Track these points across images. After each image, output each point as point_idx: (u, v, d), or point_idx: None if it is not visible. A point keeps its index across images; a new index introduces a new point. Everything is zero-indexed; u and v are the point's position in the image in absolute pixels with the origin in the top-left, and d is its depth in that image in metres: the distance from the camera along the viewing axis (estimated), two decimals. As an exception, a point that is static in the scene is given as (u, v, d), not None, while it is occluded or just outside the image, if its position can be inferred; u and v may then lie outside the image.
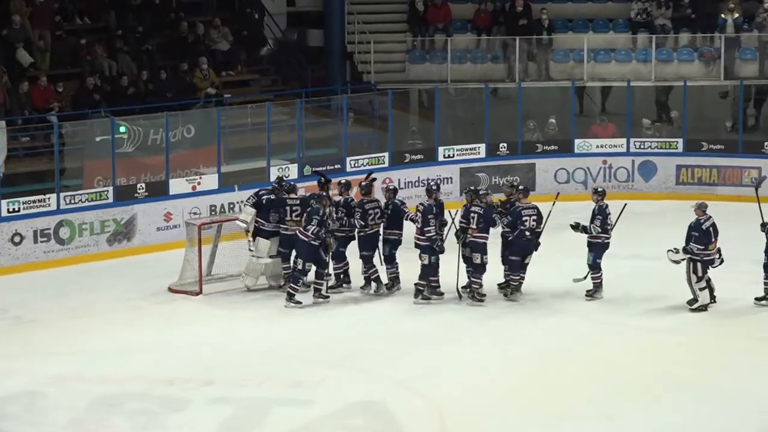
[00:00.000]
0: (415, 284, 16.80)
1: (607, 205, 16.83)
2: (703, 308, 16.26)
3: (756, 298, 16.47)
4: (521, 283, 16.82)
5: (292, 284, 16.76)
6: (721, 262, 16.30)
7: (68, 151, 20.26)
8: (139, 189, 19.83)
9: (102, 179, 19.86)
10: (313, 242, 16.58)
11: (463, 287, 16.81)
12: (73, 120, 20.71)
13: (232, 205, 20.07)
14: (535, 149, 23.26)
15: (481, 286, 16.63)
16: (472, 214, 16.55)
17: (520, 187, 17.38)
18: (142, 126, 20.21)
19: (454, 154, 22.83)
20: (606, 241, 16.75)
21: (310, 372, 14.24)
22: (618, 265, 17.36)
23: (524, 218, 16.62)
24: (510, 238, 16.75)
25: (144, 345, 15.30)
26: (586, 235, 16.78)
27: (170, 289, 17.52)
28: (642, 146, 23.31)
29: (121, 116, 20.48)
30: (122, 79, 22.36)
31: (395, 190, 17.48)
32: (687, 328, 15.80)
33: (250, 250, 17.33)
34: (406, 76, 24.90)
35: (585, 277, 16.90)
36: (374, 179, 17.76)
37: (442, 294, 16.86)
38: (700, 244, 16.10)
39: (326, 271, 16.95)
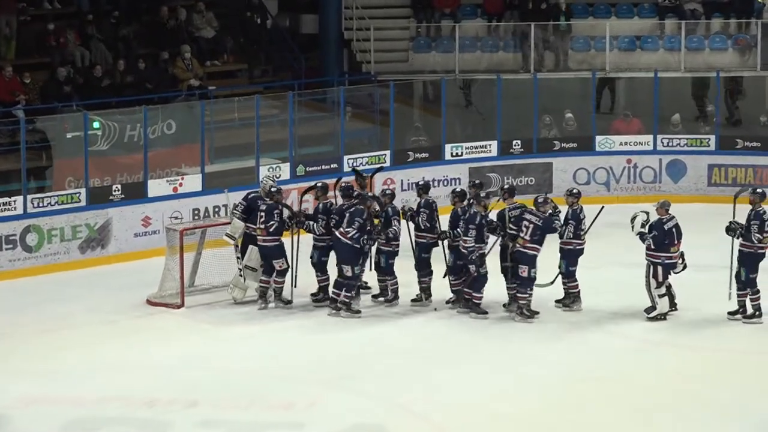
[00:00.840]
0: (468, 297, 16.83)
1: (581, 209, 16.98)
2: (662, 317, 16.52)
3: (729, 313, 16.65)
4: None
5: (345, 293, 16.79)
6: (684, 267, 16.56)
7: (36, 149, 20.31)
8: (115, 191, 19.91)
9: (74, 180, 19.92)
10: (355, 245, 16.68)
11: (507, 304, 16.92)
12: (41, 114, 20.80)
13: (217, 209, 20.16)
14: (552, 147, 23.33)
15: (529, 301, 16.71)
16: (525, 223, 16.58)
17: (505, 186, 17.48)
18: (117, 121, 20.26)
19: (462, 153, 22.90)
20: (578, 247, 16.93)
21: (303, 393, 14.32)
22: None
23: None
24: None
25: (121, 363, 15.36)
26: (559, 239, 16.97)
27: (149, 302, 17.59)
28: (670, 144, 23.38)
29: (95, 110, 20.50)
30: (96, 69, 22.43)
31: (392, 195, 17.47)
32: (698, 342, 16.05)
33: (239, 269, 17.33)
34: (410, 66, 25.00)
35: (552, 282, 17.02)
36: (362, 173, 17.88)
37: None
38: (658, 244, 16.33)
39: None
